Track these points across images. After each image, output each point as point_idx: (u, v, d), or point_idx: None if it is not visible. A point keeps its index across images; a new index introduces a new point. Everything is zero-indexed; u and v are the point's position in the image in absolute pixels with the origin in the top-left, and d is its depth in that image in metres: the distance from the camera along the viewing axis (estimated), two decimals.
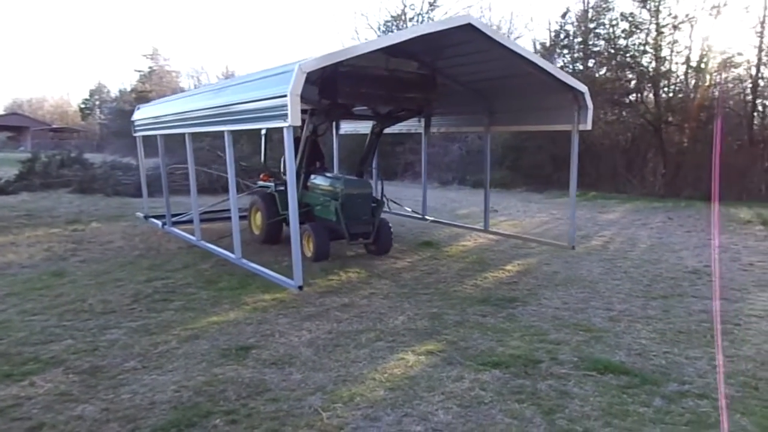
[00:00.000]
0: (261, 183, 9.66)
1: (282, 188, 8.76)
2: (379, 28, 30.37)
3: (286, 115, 5.69)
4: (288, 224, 8.74)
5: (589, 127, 8.25)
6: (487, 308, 5.85)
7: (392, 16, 30.34)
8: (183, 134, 8.90)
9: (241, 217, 11.15)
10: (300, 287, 6.18)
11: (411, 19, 29.38)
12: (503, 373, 4.19)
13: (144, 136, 11.46)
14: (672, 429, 3.40)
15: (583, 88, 8.15)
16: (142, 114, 11.30)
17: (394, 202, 9.81)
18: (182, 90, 45.94)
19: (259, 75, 7.05)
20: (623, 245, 9.61)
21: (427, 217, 11.67)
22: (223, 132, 7.39)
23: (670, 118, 20.98)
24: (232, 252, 7.66)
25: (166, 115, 9.56)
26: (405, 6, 29.74)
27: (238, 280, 6.82)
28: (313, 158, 9.23)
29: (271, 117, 6.05)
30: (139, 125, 11.33)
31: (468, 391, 3.91)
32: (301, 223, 8.06)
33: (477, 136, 20.98)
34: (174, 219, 10.56)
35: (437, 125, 11.07)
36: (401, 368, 4.30)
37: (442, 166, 22.76)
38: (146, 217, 11.48)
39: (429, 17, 29.05)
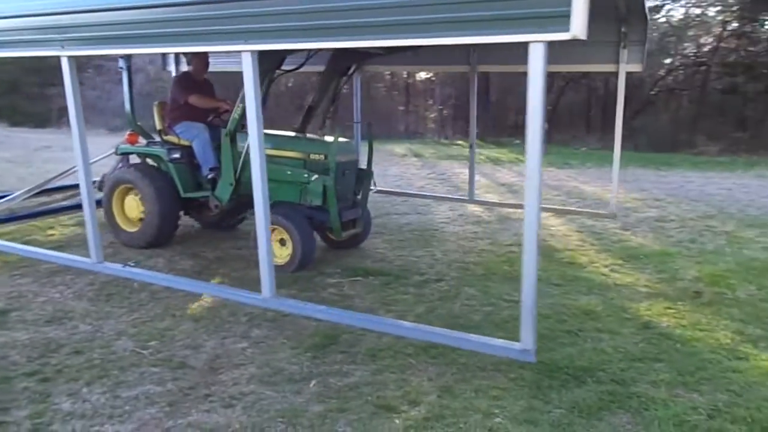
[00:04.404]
0: (126, 148, 6.16)
1: (177, 156, 5.75)
2: None
3: (562, 16, 2.91)
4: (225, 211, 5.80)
5: (640, 68, 6.50)
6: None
7: None
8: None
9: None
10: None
11: None
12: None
13: None
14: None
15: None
16: None
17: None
18: None
19: None
20: None
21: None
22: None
23: None
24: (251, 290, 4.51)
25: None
26: None
27: None
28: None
29: (501, 20, 3.10)
30: None
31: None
32: (241, 209, 6.02)
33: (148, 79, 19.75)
34: None
35: (394, 62, 7.87)
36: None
37: (108, 112, 20.94)
38: None
39: None
